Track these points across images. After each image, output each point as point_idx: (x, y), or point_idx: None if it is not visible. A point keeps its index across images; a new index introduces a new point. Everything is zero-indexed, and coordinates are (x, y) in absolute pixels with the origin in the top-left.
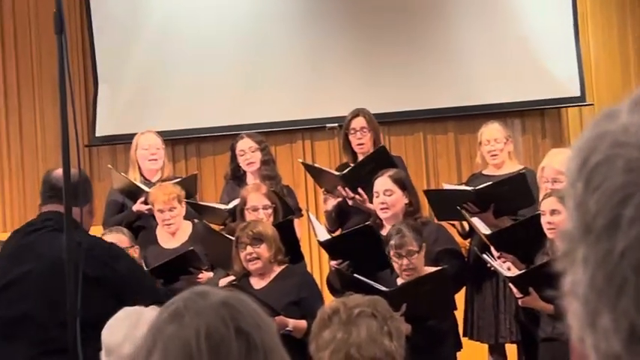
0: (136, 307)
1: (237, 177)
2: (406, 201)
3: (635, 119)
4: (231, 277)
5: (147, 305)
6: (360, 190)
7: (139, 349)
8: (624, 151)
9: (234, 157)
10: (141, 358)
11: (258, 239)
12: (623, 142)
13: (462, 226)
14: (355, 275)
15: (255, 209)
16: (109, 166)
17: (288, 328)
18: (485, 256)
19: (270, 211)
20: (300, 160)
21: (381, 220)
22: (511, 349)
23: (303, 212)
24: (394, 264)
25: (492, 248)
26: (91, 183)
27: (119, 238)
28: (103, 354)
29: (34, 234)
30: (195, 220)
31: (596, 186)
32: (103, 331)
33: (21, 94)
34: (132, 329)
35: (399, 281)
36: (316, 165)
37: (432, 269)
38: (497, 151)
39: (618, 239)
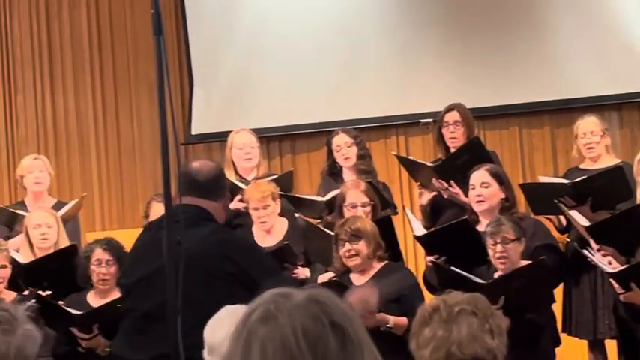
0: (238, 306)
1: (334, 173)
2: (502, 196)
3: None
4: (331, 274)
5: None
6: (452, 183)
7: (233, 351)
8: None
9: (330, 154)
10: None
11: (356, 236)
12: None
13: (559, 220)
14: (452, 268)
15: (354, 206)
16: None
17: (388, 325)
18: (585, 251)
19: (368, 208)
20: (394, 153)
21: (477, 216)
22: (611, 346)
23: (399, 208)
24: (490, 251)
25: (592, 241)
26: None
27: None
28: (205, 352)
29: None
30: (296, 215)
31: None
32: (205, 330)
33: (117, 95)
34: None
35: (496, 275)
36: (410, 157)
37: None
38: (593, 144)
39: None
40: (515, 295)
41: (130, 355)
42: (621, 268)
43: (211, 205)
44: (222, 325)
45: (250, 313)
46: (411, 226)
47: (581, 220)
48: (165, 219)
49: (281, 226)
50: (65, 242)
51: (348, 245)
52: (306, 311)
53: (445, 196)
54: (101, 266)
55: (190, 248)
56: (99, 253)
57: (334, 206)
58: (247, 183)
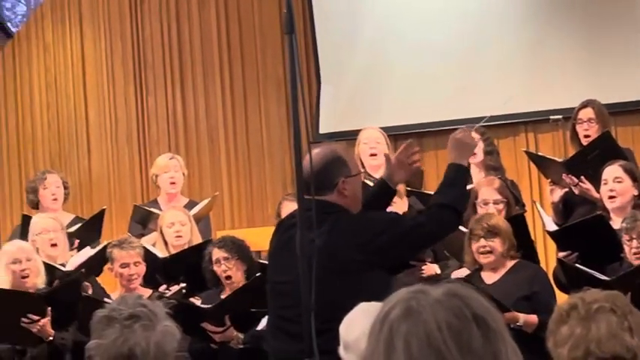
0: (373, 303)
1: None
2: (635, 192)
3: None
4: (465, 271)
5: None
6: (583, 178)
7: (374, 348)
8: None
9: None
10: (380, 358)
11: (492, 232)
12: None
13: None
14: (577, 265)
15: (486, 203)
16: None
17: (518, 323)
18: None
19: (501, 206)
20: (524, 149)
21: (608, 212)
22: None
23: (528, 205)
24: (625, 247)
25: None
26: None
27: None
28: (341, 349)
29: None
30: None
31: None
32: (340, 327)
33: (246, 94)
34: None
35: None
36: (540, 153)
37: None
38: None
39: None
40: None
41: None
42: None
43: (331, 197)
44: (358, 323)
45: (390, 310)
46: (542, 221)
47: None
48: (298, 218)
49: None
50: (199, 240)
51: (483, 241)
52: (448, 306)
53: (576, 192)
54: (220, 265)
55: (318, 246)
56: (216, 253)
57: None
58: (373, 181)
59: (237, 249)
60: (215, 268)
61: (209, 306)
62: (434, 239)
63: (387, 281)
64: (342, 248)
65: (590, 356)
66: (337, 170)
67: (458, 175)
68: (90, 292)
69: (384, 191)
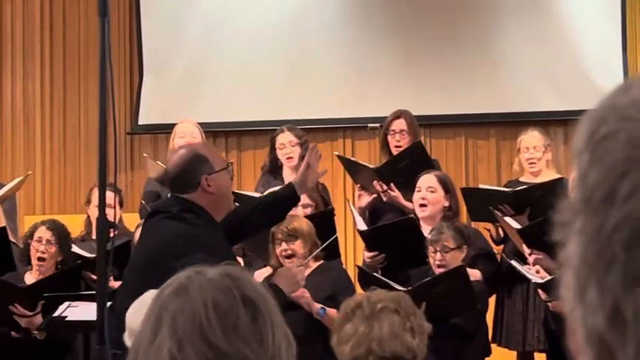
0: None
1: (273, 169)
2: (446, 204)
3: None
4: (269, 270)
5: None
6: (392, 185)
7: (145, 326)
8: (630, 125)
9: (272, 149)
10: (148, 334)
11: (293, 236)
12: (630, 116)
13: (496, 231)
14: (375, 274)
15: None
16: (145, 154)
17: (320, 313)
18: (514, 262)
19: (309, 210)
20: (336, 153)
21: (418, 220)
22: (540, 359)
23: (341, 207)
24: (430, 259)
25: (524, 246)
26: None
27: None
28: (126, 336)
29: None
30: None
31: (598, 158)
32: (127, 314)
33: (67, 79)
34: None
35: None
36: (351, 158)
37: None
38: (535, 160)
39: (612, 214)
40: (437, 300)
41: None
42: (548, 278)
43: (192, 196)
44: (144, 309)
45: (164, 289)
46: (354, 220)
47: (513, 224)
48: (99, 207)
49: None
50: (1, 223)
51: (284, 245)
52: (218, 284)
53: (384, 199)
54: (41, 244)
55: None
56: (41, 232)
57: None
58: None
59: (62, 238)
60: (33, 244)
61: (25, 285)
62: None
63: None
64: (150, 252)
65: (371, 355)
66: (198, 168)
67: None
68: None
69: (289, 197)
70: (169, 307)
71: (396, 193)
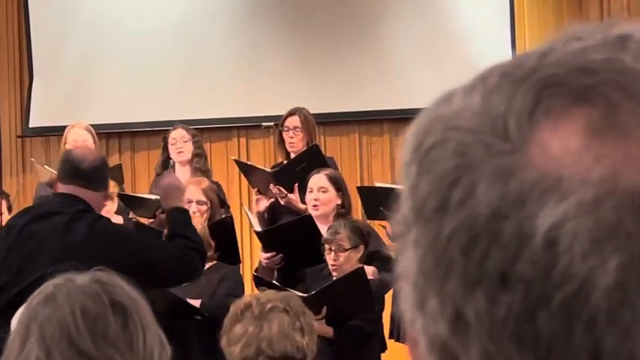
0: None
1: (167, 168)
2: (339, 202)
3: (467, 102)
4: None
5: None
6: (295, 187)
7: (15, 335)
8: (456, 134)
9: (165, 148)
10: (17, 344)
11: None
12: (456, 125)
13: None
14: (272, 282)
15: (190, 201)
16: (32, 159)
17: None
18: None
19: (204, 207)
20: (233, 158)
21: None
22: None
23: (236, 208)
24: (326, 258)
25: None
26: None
27: None
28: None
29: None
30: (131, 216)
31: (427, 169)
32: (13, 319)
33: None
34: None
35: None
36: (249, 162)
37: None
38: None
39: (446, 222)
40: (338, 304)
41: None
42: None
43: (92, 196)
44: None
45: (33, 298)
46: (250, 223)
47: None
48: None
49: None
50: None
51: None
52: (87, 291)
53: (282, 203)
54: None
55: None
56: None
57: None
58: None
59: None
60: None
61: None
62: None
63: None
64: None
65: (261, 355)
66: (107, 175)
67: (184, 216)
68: None
69: None
70: (38, 316)
71: (293, 196)
